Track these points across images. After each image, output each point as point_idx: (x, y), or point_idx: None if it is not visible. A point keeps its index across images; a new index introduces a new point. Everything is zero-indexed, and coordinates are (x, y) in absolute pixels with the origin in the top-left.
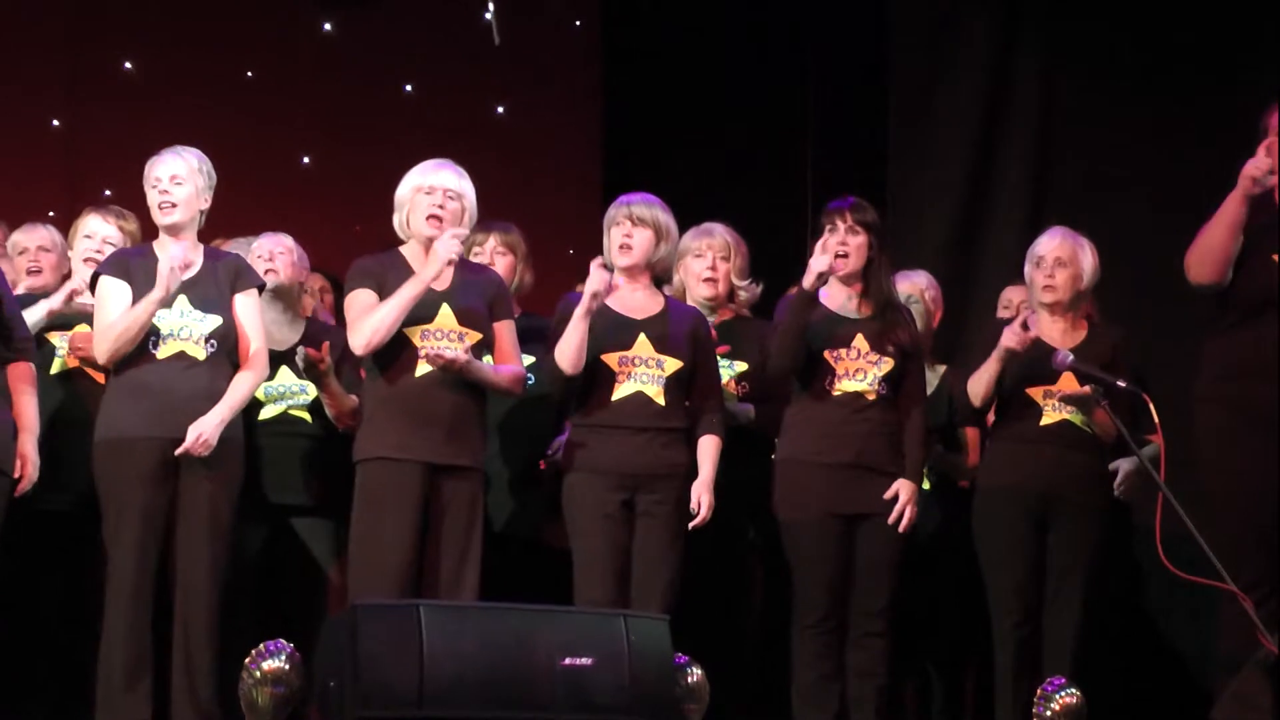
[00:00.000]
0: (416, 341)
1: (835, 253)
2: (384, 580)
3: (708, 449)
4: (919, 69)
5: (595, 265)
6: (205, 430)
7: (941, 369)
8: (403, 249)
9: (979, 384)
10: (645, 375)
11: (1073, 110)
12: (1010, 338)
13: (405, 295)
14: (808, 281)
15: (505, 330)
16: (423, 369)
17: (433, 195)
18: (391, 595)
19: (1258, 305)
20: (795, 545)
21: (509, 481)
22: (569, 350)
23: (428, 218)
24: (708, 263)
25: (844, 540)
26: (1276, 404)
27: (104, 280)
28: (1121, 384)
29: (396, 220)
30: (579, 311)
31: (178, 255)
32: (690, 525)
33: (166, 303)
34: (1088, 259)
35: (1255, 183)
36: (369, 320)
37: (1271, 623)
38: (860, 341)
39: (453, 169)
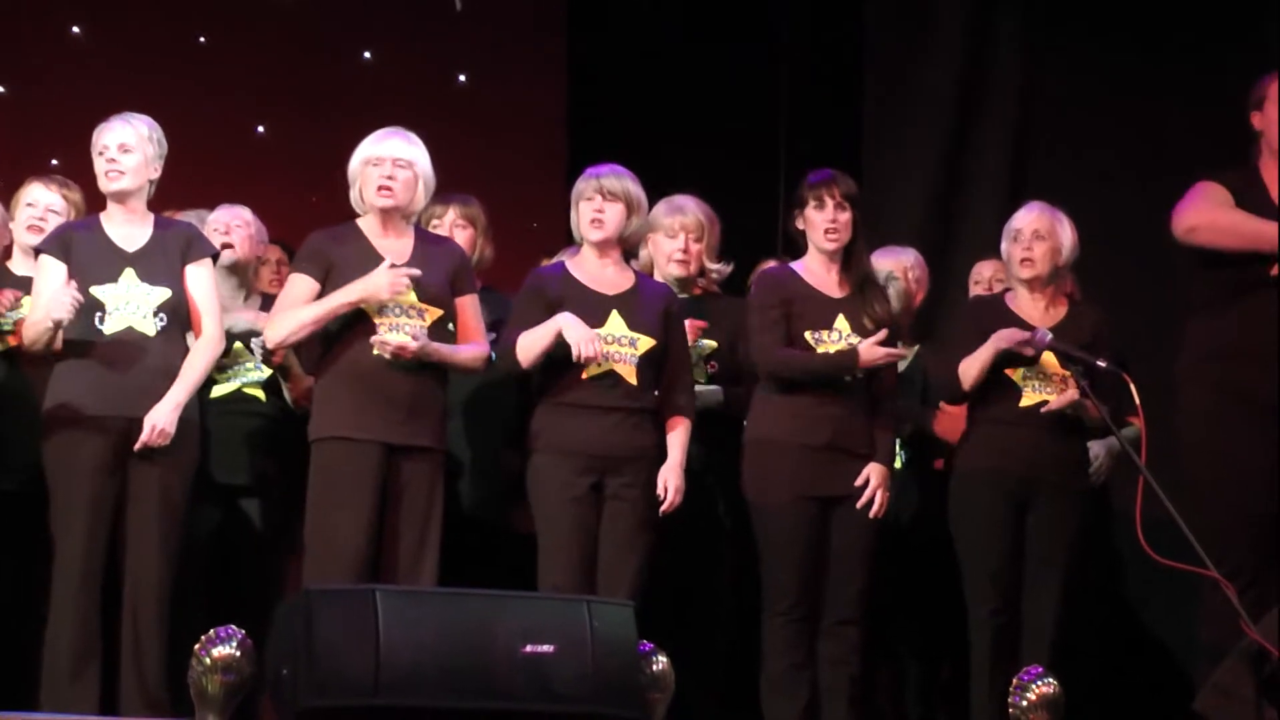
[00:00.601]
0: (375, 318)
1: (824, 230)
2: (340, 564)
3: (677, 432)
4: (894, 43)
5: (588, 343)
6: (160, 420)
7: (916, 348)
8: (360, 221)
9: (972, 368)
10: (618, 354)
11: (1051, 88)
12: (1004, 339)
13: (330, 305)
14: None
15: (469, 305)
16: None
17: (381, 166)
18: (347, 580)
19: (1246, 285)
20: (765, 529)
21: (472, 463)
22: (534, 352)
23: (378, 189)
24: (680, 244)
25: (817, 525)
26: (1263, 386)
27: (42, 258)
28: (1102, 364)
29: (352, 195)
30: (570, 336)
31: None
32: (660, 511)
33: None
34: (1066, 233)
35: None
36: (288, 320)
37: (1254, 611)
38: (841, 322)
39: (401, 136)
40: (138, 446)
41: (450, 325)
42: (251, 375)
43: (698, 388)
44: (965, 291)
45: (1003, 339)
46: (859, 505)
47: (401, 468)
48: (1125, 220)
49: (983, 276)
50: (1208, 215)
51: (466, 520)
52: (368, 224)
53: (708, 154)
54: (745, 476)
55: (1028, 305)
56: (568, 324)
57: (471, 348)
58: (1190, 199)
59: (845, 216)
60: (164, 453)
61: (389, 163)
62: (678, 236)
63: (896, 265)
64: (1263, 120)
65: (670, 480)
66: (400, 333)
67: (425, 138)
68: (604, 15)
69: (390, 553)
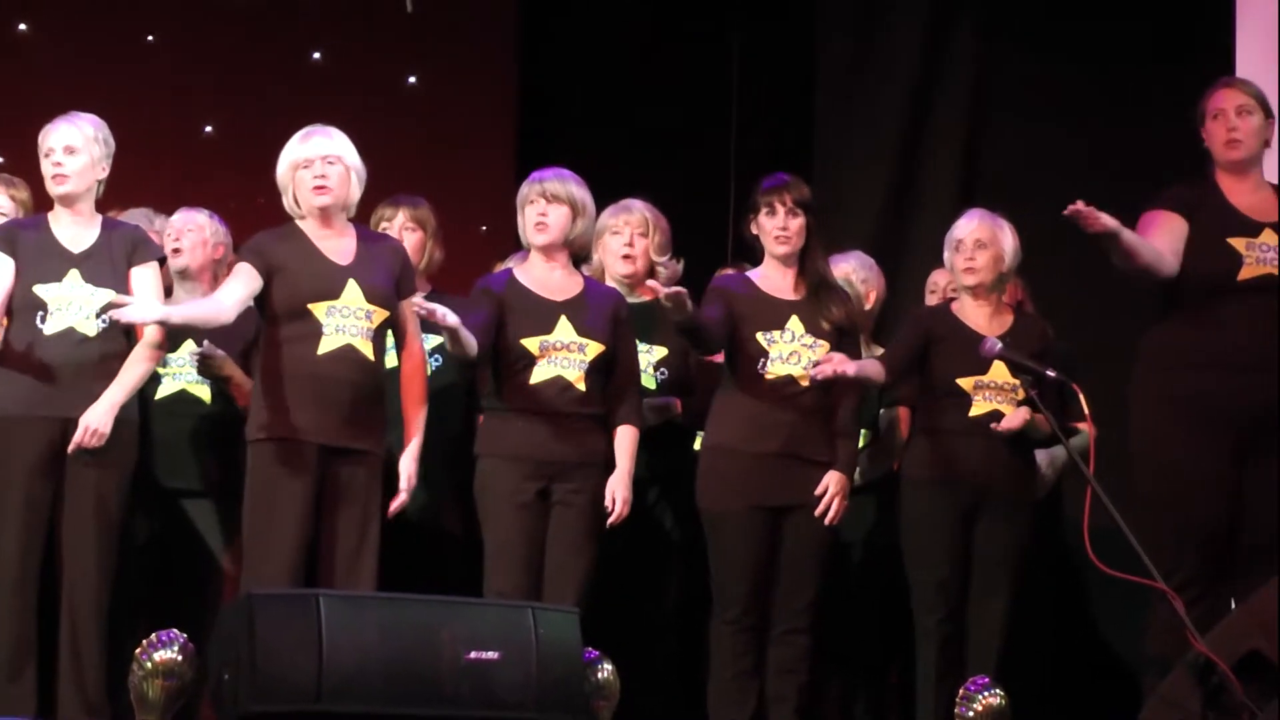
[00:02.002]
0: (321, 317)
1: (775, 236)
2: (276, 568)
3: (625, 440)
4: (845, 43)
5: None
6: (94, 422)
7: (879, 351)
8: (300, 224)
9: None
10: (566, 360)
11: (1004, 92)
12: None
13: (184, 317)
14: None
15: (409, 308)
16: (325, 347)
17: (311, 166)
18: (284, 584)
19: (1210, 291)
20: (717, 538)
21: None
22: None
23: (314, 190)
24: (625, 239)
25: (768, 533)
26: (1214, 396)
27: None
28: (1051, 373)
29: (285, 202)
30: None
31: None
32: (608, 523)
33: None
34: (1008, 239)
35: None
36: (202, 309)
37: (1203, 623)
38: (795, 324)
39: (322, 132)
40: (71, 448)
41: (391, 330)
42: (196, 373)
43: (652, 400)
44: (919, 299)
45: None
46: (817, 513)
47: (340, 471)
48: (1075, 229)
49: (938, 285)
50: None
51: (410, 525)
52: (308, 226)
53: (658, 158)
54: (699, 484)
55: (974, 313)
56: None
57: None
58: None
59: (797, 222)
60: (100, 454)
61: (318, 161)
62: (622, 232)
63: (841, 271)
64: (1207, 133)
65: (618, 491)
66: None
67: (374, 139)
68: (555, 18)
69: (328, 556)
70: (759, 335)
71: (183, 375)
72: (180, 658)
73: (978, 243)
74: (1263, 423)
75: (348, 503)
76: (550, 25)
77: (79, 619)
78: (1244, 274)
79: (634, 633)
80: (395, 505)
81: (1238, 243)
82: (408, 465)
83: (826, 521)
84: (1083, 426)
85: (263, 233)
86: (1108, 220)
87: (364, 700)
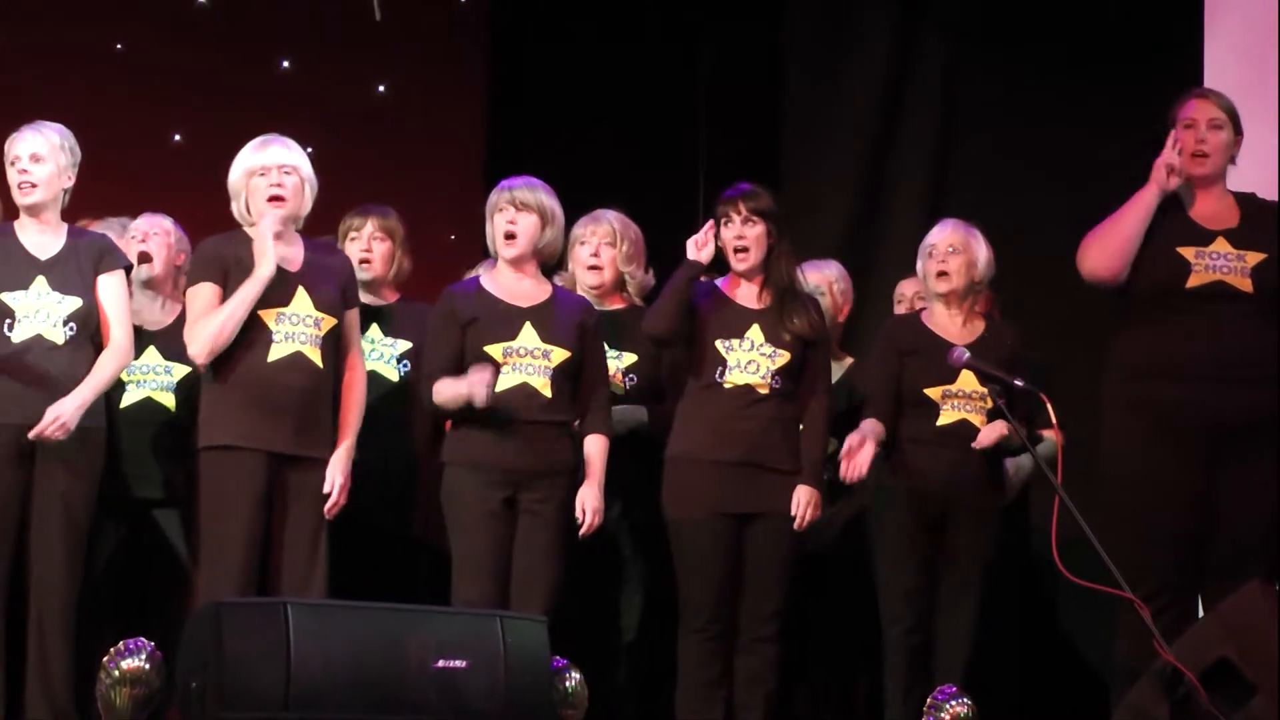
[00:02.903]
0: (271, 325)
1: (733, 247)
2: (227, 576)
3: (595, 450)
4: (816, 54)
5: (481, 381)
6: (63, 413)
7: (849, 361)
8: (248, 230)
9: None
10: (531, 366)
11: (974, 101)
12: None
13: (243, 300)
14: (692, 254)
15: (352, 318)
16: (274, 354)
17: (267, 175)
18: (235, 592)
19: (1160, 300)
20: (682, 546)
21: (382, 474)
22: (449, 401)
23: (269, 199)
24: (592, 249)
25: (733, 541)
26: (1182, 404)
27: None
28: (1019, 383)
29: (235, 209)
30: (469, 392)
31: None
32: (580, 534)
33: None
34: (981, 249)
35: (1171, 173)
36: (208, 327)
37: (1170, 632)
38: (755, 333)
39: (280, 142)
40: (33, 434)
41: (336, 340)
42: (160, 379)
43: (622, 408)
44: (888, 307)
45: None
46: (797, 527)
47: (289, 478)
48: (1044, 238)
49: (905, 295)
50: (1090, 241)
51: (378, 533)
52: (258, 234)
53: (628, 168)
54: (664, 493)
55: (945, 322)
56: (474, 390)
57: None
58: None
59: (755, 231)
60: (68, 461)
61: (275, 170)
62: (590, 242)
63: (821, 280)
64: (1176, 142)
65: (589, 501)
66: (295, 341)
67: (343, 148)
68: (525, 27)
69: (279, 564)
70: (718, 343)
71: (147, 383)
72: (148, 665)
73: (951, 249)
74: (1227, 431)
75: (299, 510)
76: (519, 34)
77: (46, 624)
78: (1192, 282)
79: (602, 642)
80: (328, 508)
81: (1187, 251)
82: (334, 469)
83: (796, 528)
84: (1050, 435)
85: (210, 241)
86: None
87: (332, 709)
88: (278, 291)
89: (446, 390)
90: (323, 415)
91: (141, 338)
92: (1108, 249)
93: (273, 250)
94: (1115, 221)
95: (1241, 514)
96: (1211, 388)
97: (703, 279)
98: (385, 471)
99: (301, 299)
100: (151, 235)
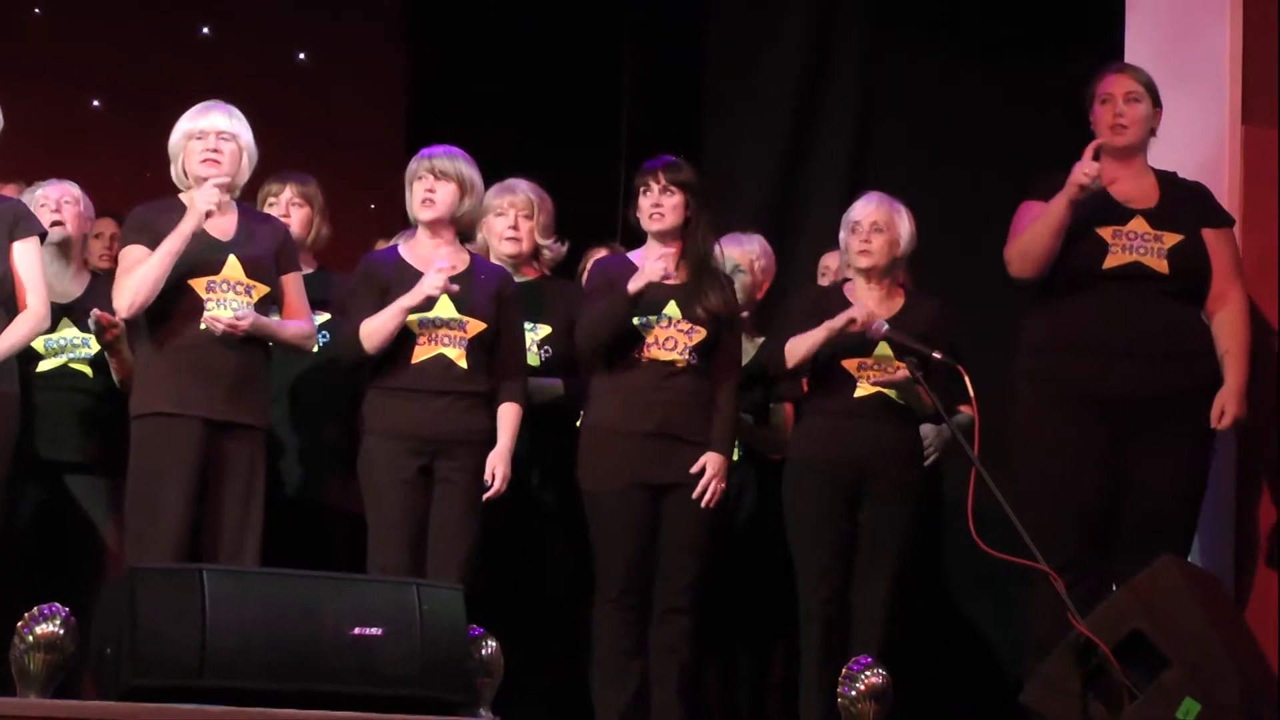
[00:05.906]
0: (202, 293)
1: (648, 214)
2: (160, 543)
3: (507, 417)
4: (738, 25)
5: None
6: None
7: (760, 341)
8: (182, 196)
9: (800, 346)
10: (447, 337)
11: (894, 77)
12: (837, 322)
13: (165, 251)
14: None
15: (293, 283)
16: (206, 321)
17: (204, 139)
18: (168, 559)
19: (1077, 279)
20: (597, 516)
21: (300, 444)
22: (382, 335)
23: (202, 162)
24: (510, 221)
25: (648, 512)
26: (1093, 380)
27: None
28: (937, 355)
29: (173, 171)
30: (408, 303)
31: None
32: (485, 497)
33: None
34: (904, 224)
35: (1083, 189)
36: (130, 281)
37: (1083, 604)
38: (672, 309)
39: (222, 109)
40: None
41: (274, 305)
42: (79, 351)
43: (539, 380)
44: (810, 280)
45: (836, 322)
46: (695, 495)
47: (224, 445)
48: (962, 212)
49: (829, 268)
50: (1013, 248)
51: (293, 501)
52: (190, 199)
53: (549, 140)
54: (579, 464)
55: (865, 295)
56: (410, 296)
57: (298, 324)
58: (1010, 235)
59: (672, 200)
60: None
61: (213, 135)
62: (507, 214)
63: (742, 255)
64: (1094, 117)
65: (498, 467)
66: (228, 309)
67: (263, 115)
68: None
69: (213, 531)
70: (635, 319)
71: (64, 354)
72: (62, 631)
73: (874, 226)
74: (1139, 406)
75: (232, 477)
76: (441, 3)
77: None
78: (1109, 262)
79: (518, 611)
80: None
81: (1105, 231)
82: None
83: (704, 504)
84: (967, 410)
85: (143, 207)
86: None
87: (247, 675)
88: (209, 260)
89: (383, 315)
90: (256, 382)
91: (54, 311)
92: (1029, 258)
93: (202, 205)
94: (1032, 232)
95: (1153, 488)
96: (1124, 363)
97: (606, 250)
98: (301, 441)
99: (232, 265)
100: (64, 204)
